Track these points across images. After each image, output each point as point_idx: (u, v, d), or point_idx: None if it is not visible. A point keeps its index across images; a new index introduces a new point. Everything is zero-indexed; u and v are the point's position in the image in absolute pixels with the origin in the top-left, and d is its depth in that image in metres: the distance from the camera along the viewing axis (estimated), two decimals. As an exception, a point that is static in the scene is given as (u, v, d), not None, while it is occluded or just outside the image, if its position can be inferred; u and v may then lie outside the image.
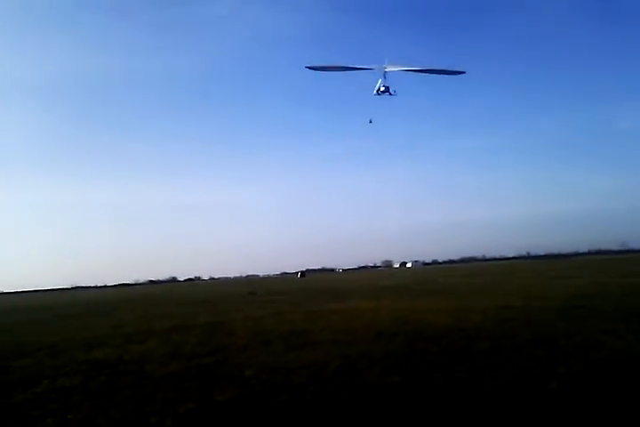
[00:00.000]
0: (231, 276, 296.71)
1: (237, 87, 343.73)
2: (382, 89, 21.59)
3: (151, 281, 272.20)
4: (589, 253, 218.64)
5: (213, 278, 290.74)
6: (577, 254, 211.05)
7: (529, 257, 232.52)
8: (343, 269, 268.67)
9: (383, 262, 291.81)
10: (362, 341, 12.27)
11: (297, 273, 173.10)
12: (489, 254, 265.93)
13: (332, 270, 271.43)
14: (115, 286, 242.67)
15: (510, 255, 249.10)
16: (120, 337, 16.36)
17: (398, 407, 6.66)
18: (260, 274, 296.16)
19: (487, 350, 10.04)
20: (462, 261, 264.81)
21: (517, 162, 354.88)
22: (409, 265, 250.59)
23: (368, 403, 6.91)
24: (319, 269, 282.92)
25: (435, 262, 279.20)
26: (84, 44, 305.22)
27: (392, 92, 21.21)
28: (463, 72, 21.64)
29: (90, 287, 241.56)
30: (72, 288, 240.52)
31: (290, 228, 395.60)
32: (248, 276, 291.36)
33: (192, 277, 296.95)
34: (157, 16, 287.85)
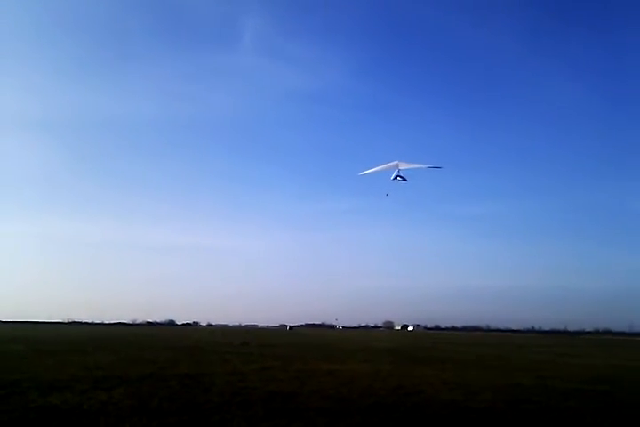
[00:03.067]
0: (229, 324, 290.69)
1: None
2: (396, 176, 28.44)
3: (149, 322, 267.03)
4: (596, 332, 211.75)
5: (211, 325, 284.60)
6: (582, 333, 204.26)
7: (533, 331, 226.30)
8: (343, 327, 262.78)
9: (384, 323, 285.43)
10: (355, 411, 10.60)
11: (286, 326, 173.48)
12: (493, 325, 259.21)
13: (333, 327, 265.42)
14: (111, 324, 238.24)
15: (514, 328, 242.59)
16: (88, 381, 14.81)
17: None
18: (259, 324, 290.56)
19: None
20: (465, 329, 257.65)
21: (528, 234, 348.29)
22: (410, 328, 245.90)
23: None
24: (319, 325, 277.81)
25: (437, 328, 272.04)
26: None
27: (405, 179, 28.41)
28: (441, 167, 34.60)
29: (86, 324, 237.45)
30: (68, 323, 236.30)
31: (293, 280, 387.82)
32: (246, 325, 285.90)
33: (190, 321, 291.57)
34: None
